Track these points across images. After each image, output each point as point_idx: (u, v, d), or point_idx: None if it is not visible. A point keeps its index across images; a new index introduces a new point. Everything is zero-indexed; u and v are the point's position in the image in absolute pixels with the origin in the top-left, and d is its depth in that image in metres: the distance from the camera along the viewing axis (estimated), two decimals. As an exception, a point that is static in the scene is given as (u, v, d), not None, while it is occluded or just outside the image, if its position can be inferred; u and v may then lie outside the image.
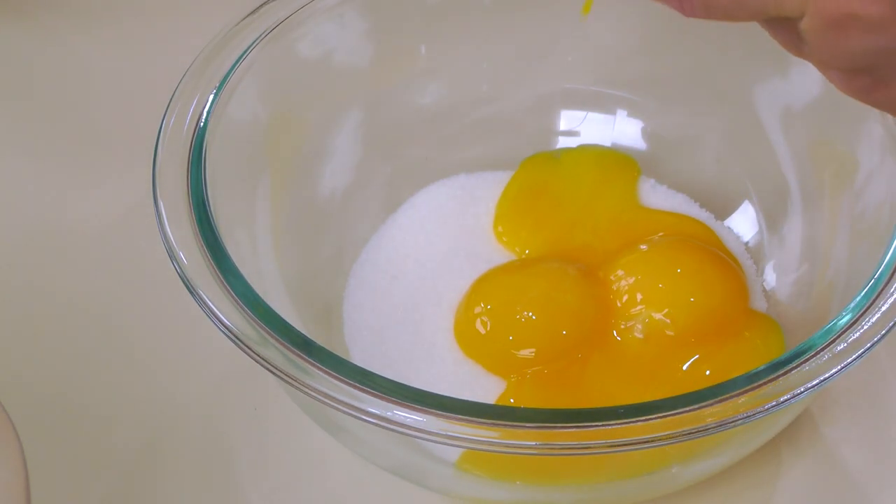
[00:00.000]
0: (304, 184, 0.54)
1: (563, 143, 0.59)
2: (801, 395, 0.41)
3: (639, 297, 0.51)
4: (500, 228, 0.56)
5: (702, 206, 0.56)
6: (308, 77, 0.54)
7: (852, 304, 0.43)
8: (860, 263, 0.47)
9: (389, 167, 0.57)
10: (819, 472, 0.51)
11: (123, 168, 0.60)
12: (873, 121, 0.49)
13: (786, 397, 0.41)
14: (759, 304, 0.53)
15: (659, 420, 0.40)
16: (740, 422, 0.41)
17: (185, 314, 0.47)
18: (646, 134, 0.58)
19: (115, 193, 0.60)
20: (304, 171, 0.54)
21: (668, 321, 0.50)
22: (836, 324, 0.43)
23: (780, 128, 0.55)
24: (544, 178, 0.57)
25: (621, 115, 0.58)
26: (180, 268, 0.44)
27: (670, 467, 0.46)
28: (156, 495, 0.50)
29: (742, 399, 0.41)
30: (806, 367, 0.42)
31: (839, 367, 0.42)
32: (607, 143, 0.58)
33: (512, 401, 0.49)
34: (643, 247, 0.53)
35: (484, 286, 0.53)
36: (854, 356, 0.42)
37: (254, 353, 0.43)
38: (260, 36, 0.51)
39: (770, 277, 0.54)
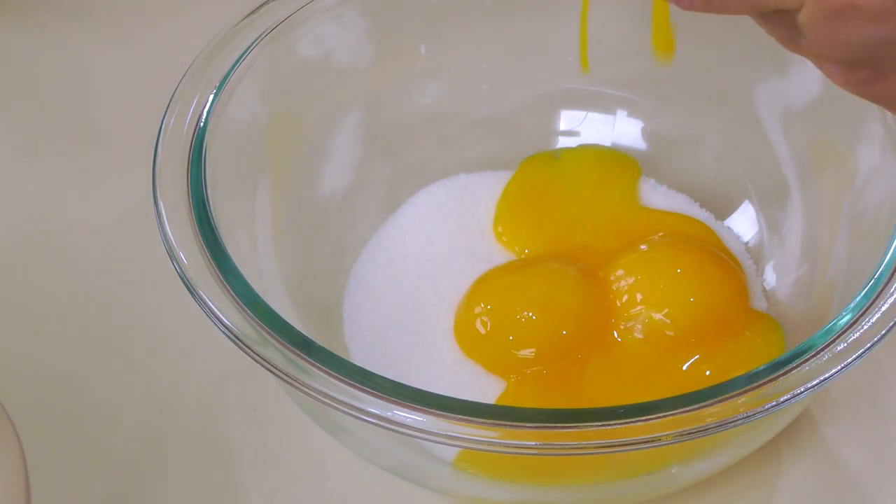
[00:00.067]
0: (304, 184, 0.54)
1: (563, 143, 0.58)
2: (801, 395, 0.41)
3: (639, 297, 0.51)
4: (500, 228, 0.56)
5: (702, 206, 0.56)
6: (308, 77, 0.54)
7: (852, 304, 0.43)
8: (860, 263, 0.47)
9: (389, 167, 0.57)
10: (819, 472, 0.51)
11: (123, 168, 0.60)
12: (873, 121, 0.49)
13: (786, 397, 0.41)
14: (759, 304, 0.53)
15: (659, 420, 0.40)
16: (740, 422, 0.41)
17: (185, 314, 0.47)
18: (646, 134, 0.58)
19: (115, 193, 0.60)
20: (304, 171, 0.54)
21: (668, 321, 0.50)
22: (836, 324, 0.43)
23: (780, 128, 0.54)
24: (544, 178, 0.57)
25: (621, 115, 0.58)
26: (180, 268, 0.44)
27: (670, 467, 0.46)
28: (156, 495, 0.50)
29: (742, 399, 0.41)
30: (806, 367, 0.42)
31: (839, 367, 0.42)
32: (607, 143, 0.58)
33: (512, 401, 0.49)
34: (643, 247, 0.53)
35: (484, 286, 0.52)
36: (854, 356, 0.42)
37: (254, 353, 0.43)
38: (260, 36, 0.51)
39: (770, 277, 0.54)
